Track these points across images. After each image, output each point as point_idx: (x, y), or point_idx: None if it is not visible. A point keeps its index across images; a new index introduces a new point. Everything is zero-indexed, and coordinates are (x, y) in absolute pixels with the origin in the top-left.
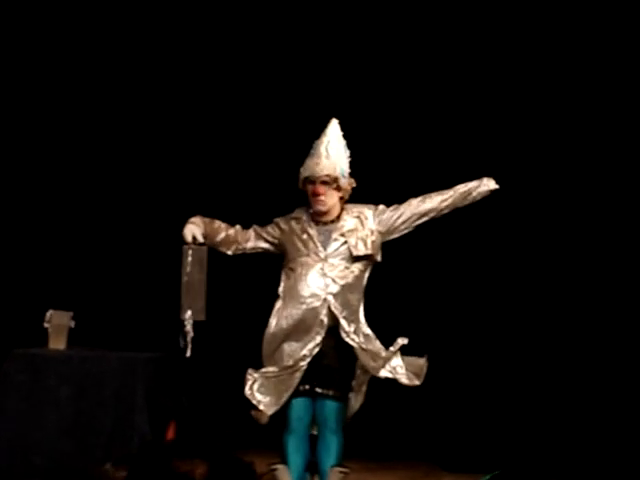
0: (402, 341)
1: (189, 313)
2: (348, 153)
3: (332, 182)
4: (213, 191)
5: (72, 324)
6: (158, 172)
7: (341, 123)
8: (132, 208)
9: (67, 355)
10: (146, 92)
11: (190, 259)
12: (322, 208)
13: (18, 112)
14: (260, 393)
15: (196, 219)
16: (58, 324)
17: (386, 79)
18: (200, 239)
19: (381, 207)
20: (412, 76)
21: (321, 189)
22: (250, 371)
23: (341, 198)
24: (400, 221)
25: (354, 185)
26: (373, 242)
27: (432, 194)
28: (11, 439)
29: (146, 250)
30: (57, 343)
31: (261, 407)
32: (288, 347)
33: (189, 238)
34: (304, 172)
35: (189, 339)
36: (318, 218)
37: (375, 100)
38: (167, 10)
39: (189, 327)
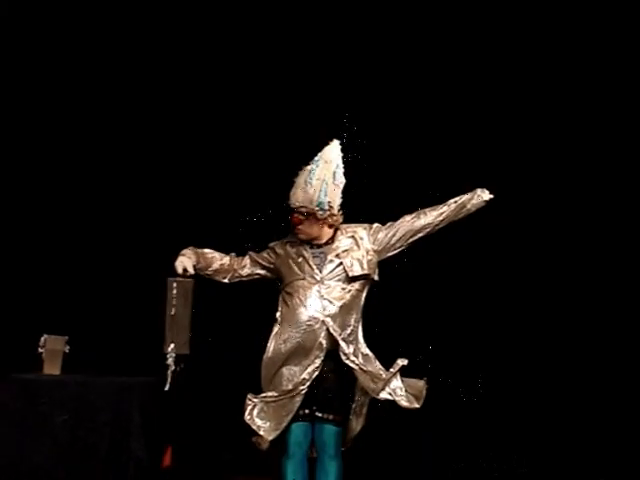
0: (402, 362)
1: (172, 346)
2: (341, 181)
3: (308, 214)
4: (209, 215)
5: (67, 349)
6: (155, 193)
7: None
8: (127, 232)
9: (62, 380)
10: (132, 116)
11: (175, 292)
12: (301, 237)
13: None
14: (260, 418)
15: (187, 251)
16: (52, 349)
17: (378, 92)
18: (191, 271)
19: (375, 226)
20: (405, 89)
21: (296, 219)
22: (250, 396)
23: (331, 226)
24: (395, 239)
25: (340, 219)
26: (369, 262)
27: (426, 210)
28: (5, 465)
29: (142, 273)
30: (51, 368)
31: (261, 432)
32: (287, 371)
33: (180, 270)
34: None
35: (169, 372)
36: (311, 241)
37: (369, 115)
38: (164, 28)
39: (170, 361)
